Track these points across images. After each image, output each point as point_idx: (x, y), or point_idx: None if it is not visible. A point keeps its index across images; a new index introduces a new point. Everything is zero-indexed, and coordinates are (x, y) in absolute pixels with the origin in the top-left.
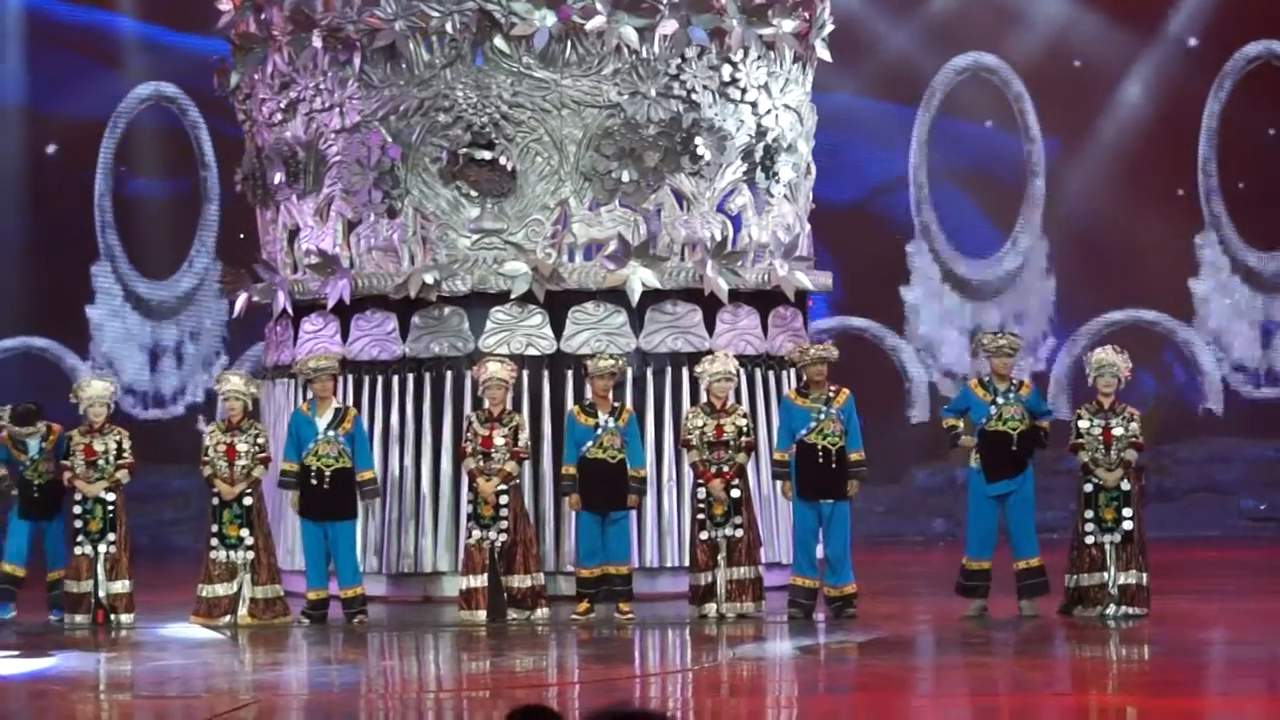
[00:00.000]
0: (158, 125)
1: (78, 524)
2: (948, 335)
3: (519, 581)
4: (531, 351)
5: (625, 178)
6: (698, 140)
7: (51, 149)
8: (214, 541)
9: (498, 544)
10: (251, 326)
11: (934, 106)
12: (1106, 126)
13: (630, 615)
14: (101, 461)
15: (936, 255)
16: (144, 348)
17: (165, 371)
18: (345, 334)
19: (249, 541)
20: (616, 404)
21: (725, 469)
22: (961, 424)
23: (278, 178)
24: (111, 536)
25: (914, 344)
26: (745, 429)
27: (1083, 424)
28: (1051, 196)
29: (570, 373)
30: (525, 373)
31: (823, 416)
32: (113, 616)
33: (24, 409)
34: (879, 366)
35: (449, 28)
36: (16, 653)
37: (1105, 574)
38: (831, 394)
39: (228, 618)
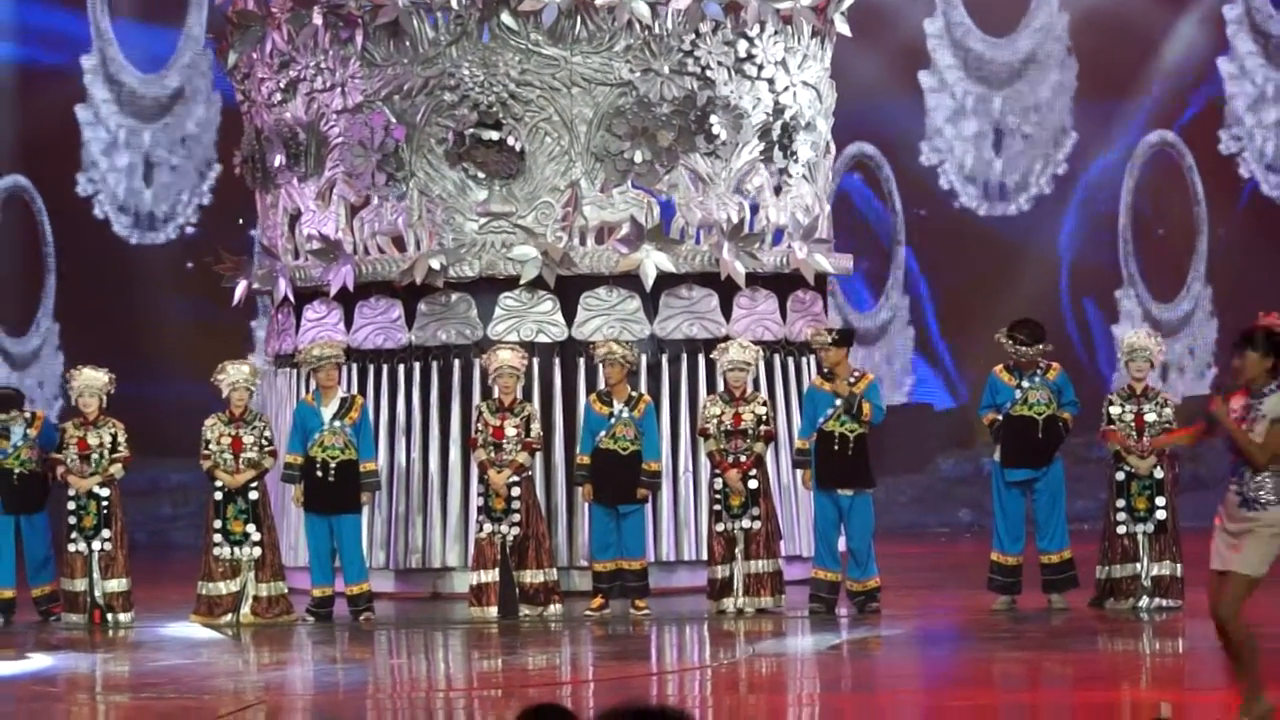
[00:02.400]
0: None
1: (71, 520)
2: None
3: (531, 576)
4: (542, 339)
5: (638, 158)
6: (713, 119)
7: None
8: (217, 538)
9: (509, 538)
10: None
11: None
12: None
13: (646, 611)
14: (95, 455)
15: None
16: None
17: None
18: (349, 322)
19: (255, 538)
20: (634, 393)
21: (743, 459)
22: (1002, 416)
23: (278, 160)
24: (106, 533)
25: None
26: (764, 417)
27: (1114, 410)
28: None
29: (582, 361)
30: (536, 361)
31: (839, 403)
32: (110, 616)
33: (1, 394)
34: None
35: (454, 3)
36: (11, 654)
37: (1138, 565)
38: (853, 379)
39: (229, 616)
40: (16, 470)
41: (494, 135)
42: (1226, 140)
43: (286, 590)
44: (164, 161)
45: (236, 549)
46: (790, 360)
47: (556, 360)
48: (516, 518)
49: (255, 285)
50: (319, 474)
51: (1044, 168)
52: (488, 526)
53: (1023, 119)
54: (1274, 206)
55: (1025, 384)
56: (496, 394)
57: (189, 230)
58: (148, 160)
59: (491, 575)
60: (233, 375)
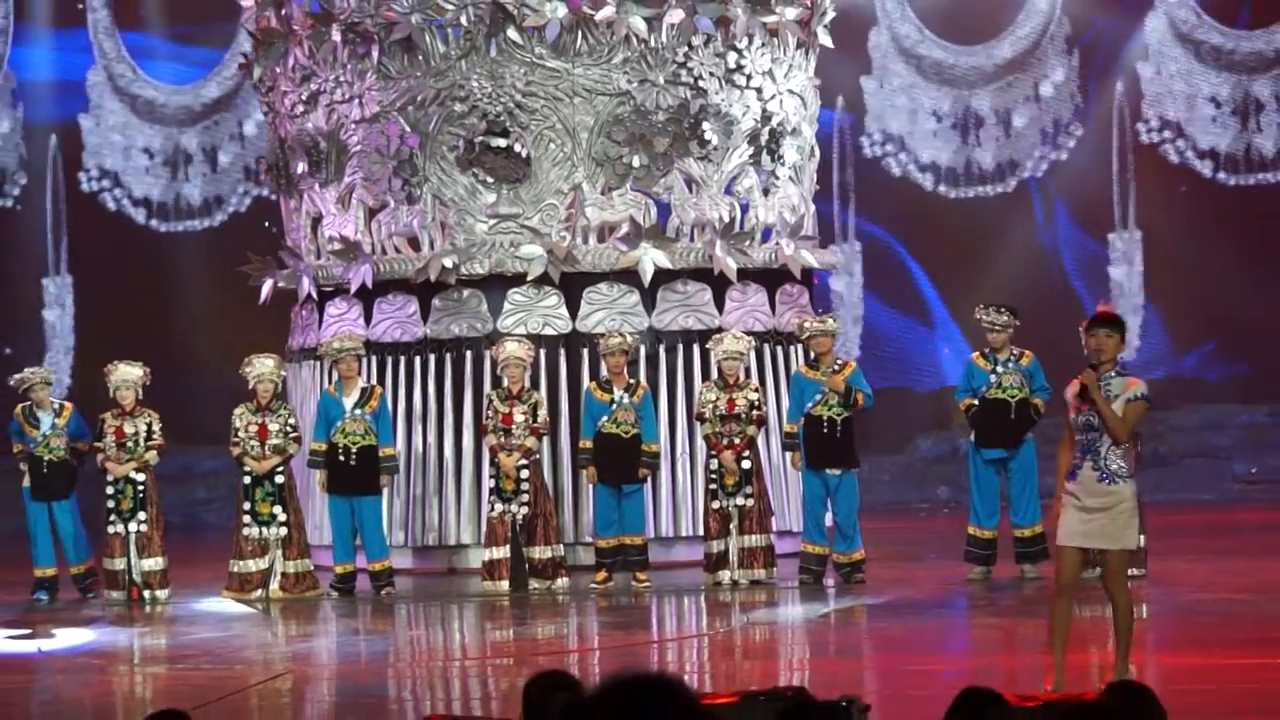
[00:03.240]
0: None
1: (110, 504)
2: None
3: (540, 552)
4: (548, 331)
5: (636, 163)
6: (705, 125)
7: None
8: (246, 519)
9: (519, 517)
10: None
11: None
12: None
13: (647, 583)
14: (131, 443)
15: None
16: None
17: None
18: (368, 317)
19: (282, 518)
20: (632, 380)
21: (736, 441)
22: (978, 401)
23: (301, 167)
24: (142, 515)
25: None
26: (756, 403)
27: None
28: None
29: (585, 351)
30: (542, 352)
31: (827, 388)
32: (147, 593)
33: None
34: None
35: (464, 20)
36: (51, 628)
37: None
38: (837, 367)
39: (259, 592)
40: (46, 458)
41: (502, 142)
42: (1145, 133)
43: (312, 567)
44: (201, 158)
45: (264, 529)
46: (779, 349)
47: (562, 351)
48: (525, 498)
49: (281, 284)
50: (341, 459)
51: (1042, 156)
52: (499, 506)
53: (1015, 113)
54: (1203, 181)
55: (1000, 369)
56: (505, 383)
57: (241, 213)
58: (174, 159)
59: (503, 552)
60: (258, 368)
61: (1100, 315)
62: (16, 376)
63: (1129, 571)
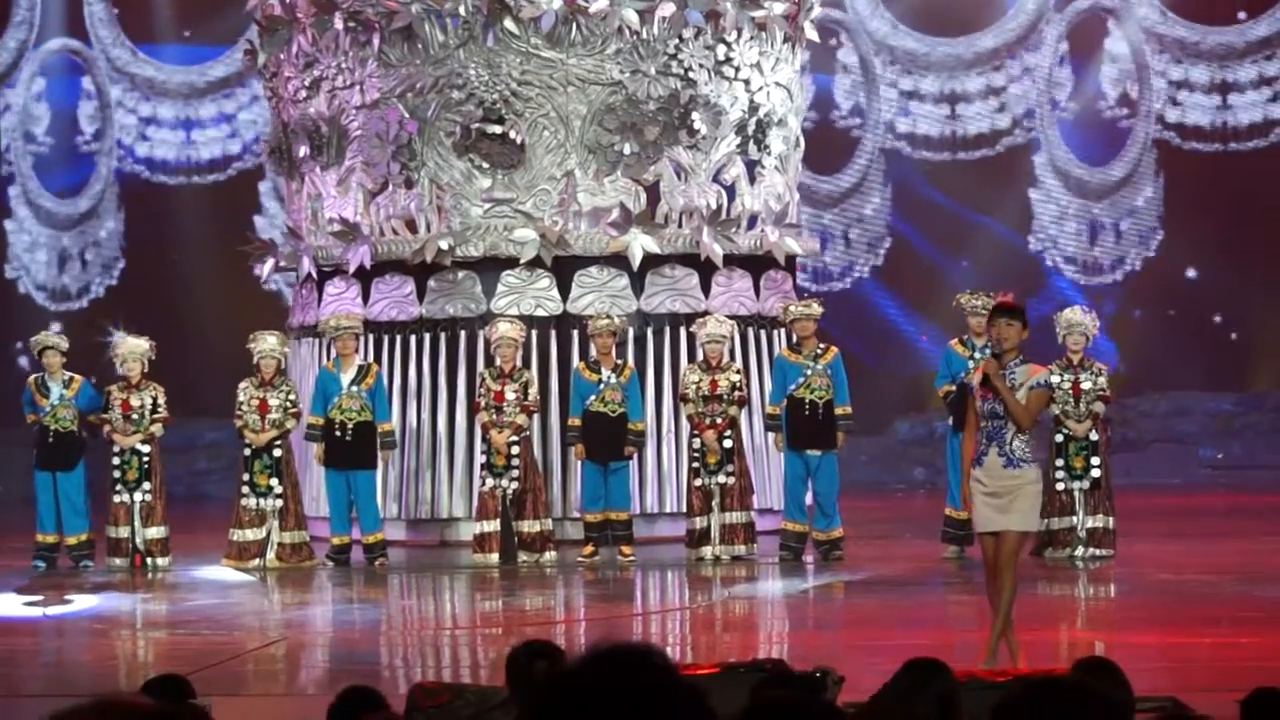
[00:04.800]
0: None
1: (115, 474)
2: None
3: (529, 526)
4: (540, 313)
5: (627, 150)
6: (694, 115)
7: None
8: (245, 490)
9: (509, 491)
10: None
11: None
12: None
13: (631, 557)
14: (137, 415)
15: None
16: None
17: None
18: (366, 296)
19: (278, 490)
20: (619, 361)
21: (719, 421)
22: (955, 388)
23: (303, 151)
24: (147, 485)
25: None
26: (738, 384)
27: (1054, 379)
28: None
29: (575, 332)
30: (534, 332)
31: (810, 372)
32: (149, 560)
33: None
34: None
35: (462, 10)
36: (57, 595)
37: (1074, 518)
38: (820, 351)
39: (257, 560)
40: (53, 428)
41: (497, 129)
42: (1107, 114)
43: (308, 538)
44: (212, 123)
45: (262, 500)
46: (763, 333)
47: (553, 332)
48: (516, 473)
49: (281, 264)
50: (338, 434)
51: (1020, 136)
52: (490, 481)
53: (991, 98)
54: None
55: (978, 355)
56: (498, 362)
57: (250, 170)
58: (182, 125)
59: (493, 525)
60: (262, 345)
61: (1001, 305)
62: (34, 338)
63: (1098, 553)
